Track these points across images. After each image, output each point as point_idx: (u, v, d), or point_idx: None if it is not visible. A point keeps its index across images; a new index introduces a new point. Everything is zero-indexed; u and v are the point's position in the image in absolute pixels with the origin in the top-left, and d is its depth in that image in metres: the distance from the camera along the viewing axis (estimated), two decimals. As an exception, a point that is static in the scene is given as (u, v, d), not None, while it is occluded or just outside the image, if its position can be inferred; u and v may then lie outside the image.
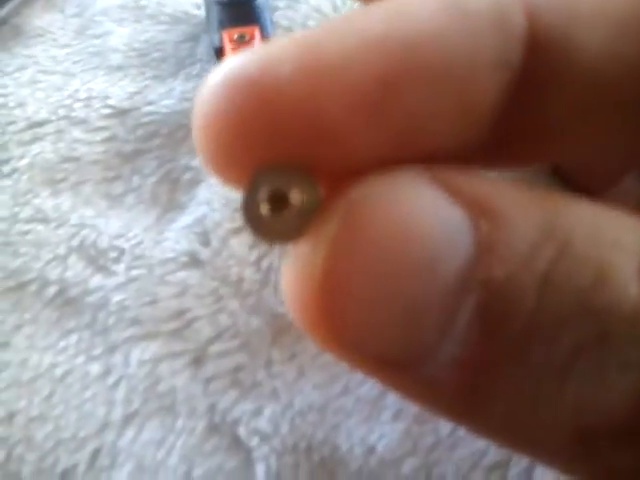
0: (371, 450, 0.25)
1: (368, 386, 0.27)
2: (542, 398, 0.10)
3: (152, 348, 0.27)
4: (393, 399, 0.26)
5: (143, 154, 0.32)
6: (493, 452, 0.26)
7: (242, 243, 0.29)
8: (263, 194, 0.10)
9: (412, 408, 0.26)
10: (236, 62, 0.10)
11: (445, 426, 0.26)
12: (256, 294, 0.28)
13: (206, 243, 0.28)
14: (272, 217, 0.10)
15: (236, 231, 0.29)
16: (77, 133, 0.32)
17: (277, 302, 0.28)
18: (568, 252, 0.10)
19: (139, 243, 0.29)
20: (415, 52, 0.10)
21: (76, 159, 0.32)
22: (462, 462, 0.25)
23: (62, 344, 0.27)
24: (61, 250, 0.29)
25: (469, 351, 0.10)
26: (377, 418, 0.26)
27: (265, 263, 0.28)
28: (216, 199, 0.30)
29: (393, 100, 0.10)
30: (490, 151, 0.12)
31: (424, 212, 0.09)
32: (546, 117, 0.11)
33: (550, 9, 0.11)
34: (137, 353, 0.27)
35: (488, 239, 0.10)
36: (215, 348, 0.27)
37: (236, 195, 0.30)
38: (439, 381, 0.10)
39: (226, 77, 0.10)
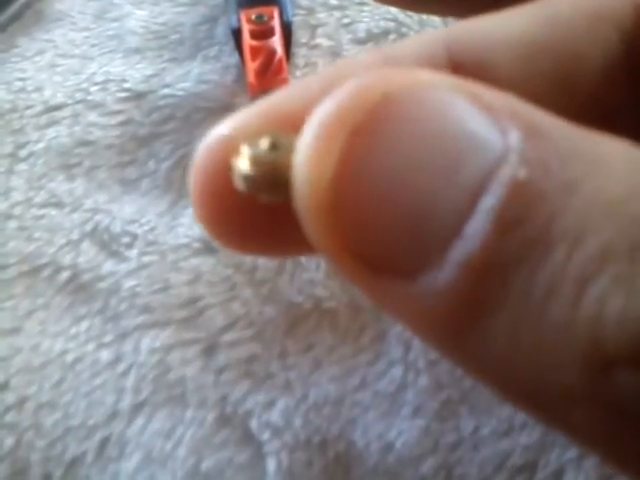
0: (389, 447, 0.26)
1: (387, 380, 0.27)
2: (555, 308, 0.09)
3: (163, 336, 0.27)
4: (413, 394, 0.27)
5: (158, 138, 0.32)
6: (519, 453, 0.25)
7: None
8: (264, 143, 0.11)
9: (433, 404, 0.26)
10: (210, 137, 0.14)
11: (468, 423, 0.26)
12: (271, 282, 0.28)
13: None
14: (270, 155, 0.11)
15: None
16: (93, 117, 0.33)
17: (292, 291, 0.29)
18: (601, 169, 0.10)
19: (152, 229, 0.30)
20: None
21: (91, 143, 0.33)
22: (485, 463, 0.25)
23: (73, 330, 0.28)
24: (74, 235, 0.30)
25: (479, 254, 0.10)
26: (396, 414, 0.26)
27: None
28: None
29: None
30: None
31: (456, 113, 0.10)
32: None
33: (467, 42, 0.13)
34: (147, 341, 0.27)
35: (517, 145, 0.10)
36: (227, 337, 0.27)
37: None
38: (440, 294, 0.10)
39: (201, 152, 0.14)
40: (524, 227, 0.09)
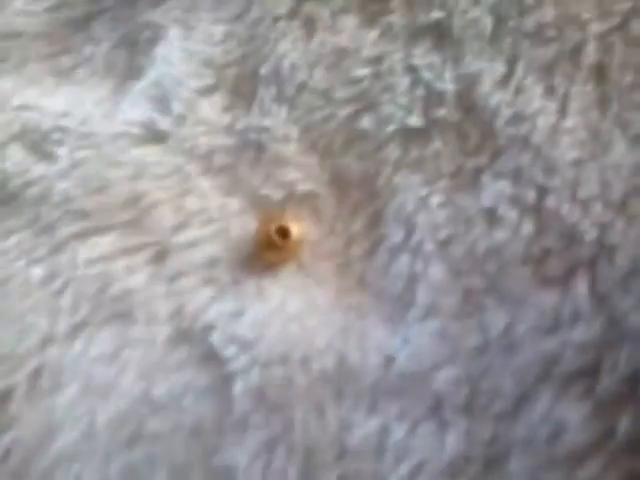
0: (390, 360, 0.21)
1: (389, 276, 0.22)
2: None
3: (103, 244, 0.23)
4: (424, 289, 0.22)
5: (95, 18, 0.28)
6: (572, 355, 0.20)
7: (212, 104, 0.25)
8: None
9: (449, 299, 0.21)
10: None
11: (497, 320, 0.21)
12: (231, 170, 0.24)
13: (166, 109, 0.24)
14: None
15: (204, 90, 0.25)
16: (18, 4, 0.29)
17: (258, 179, 0.24)
18: None
19: (86, 120, 0.25)
20: None
21: (18, 34, 0.28)
22: (524, 372, 0.20)
23: (0, 247, 0.23)
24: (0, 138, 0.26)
25: None
26: (400, 317, 0.21)
27: (241, 124, 0.24)
28: (176, 53, 0.25)
29: None
30: None
31: None
32: None
33: None
34: (85, 251, 0.23)
35: None
36: (181, 238, 0.23)
37: (203, 46, 0.26)
38: None
39: None
40: None
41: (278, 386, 0.20)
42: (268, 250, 0.22)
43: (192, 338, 0.21)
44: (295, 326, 0.21)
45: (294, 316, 0.22)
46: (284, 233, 0.22)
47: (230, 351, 0.21)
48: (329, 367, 0.21)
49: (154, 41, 0.26)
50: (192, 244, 0.23)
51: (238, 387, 0.20)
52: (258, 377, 0.20)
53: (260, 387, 0.20)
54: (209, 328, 0.21)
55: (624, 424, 0.18)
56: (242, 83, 0.25)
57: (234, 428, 0.20)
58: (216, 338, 0.21)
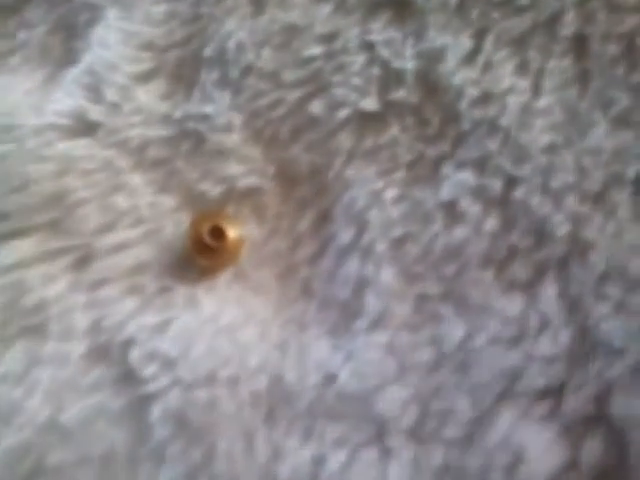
0: (331, 378, 0.19)
1: (337, 281, 0.19)
2: None
3: (21, 249, 0.21)
4: (373, 296, 0.19)
5: (29, 1, 0.26)
6: (537, 370, 0.18)
7: (150, 91, 0.22)
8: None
9: (401, 306, 0.19)
10: None
11: (454, 330, 0.19)
12: (168, 163, 0.22)
13: (98, 98, 0.22)
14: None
15: (142, 76, 0.23)
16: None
17: (195, 173, 0.22)
18: None
19: (12, 111, 0.23)
20: None
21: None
22: (480, 391, 0.18)
23: None
24: None
25: None
26: (346, 329, 0.19)
27: (179, 113, 0.22)
28: (114, 35, 0.23)
29: None
30: None
31: None
32: None
33: None
34: (1, 257, 0.21)
35: None
36: (107, 241, 0.21)
37: (143, 27, 0.23)
38: None
39: None
40: None
41: (201, 410, 0.18)
42: (201, 254, 0.20)
43: (109, 355, 0.19)
44: (226, 341, 0.19)
45: (226, 329, 0.20)
46: (219, 234, 0.20)
47: (150, 370, 0.18)
48: (261, 388, 0.19)
49: (92, 23, 0.24)
50: (118, 247, 0.21)
51: (156, 411, 0.18)
52: (179, 400, 0.18)
53: (181, 411, 0.18)
54: (128, 343, 0.19)
55: (589, 451, 0.15)
56: (183, 67, 0.23)
57: (150, 458, 0.18)
58: (135, 355, 0.19)
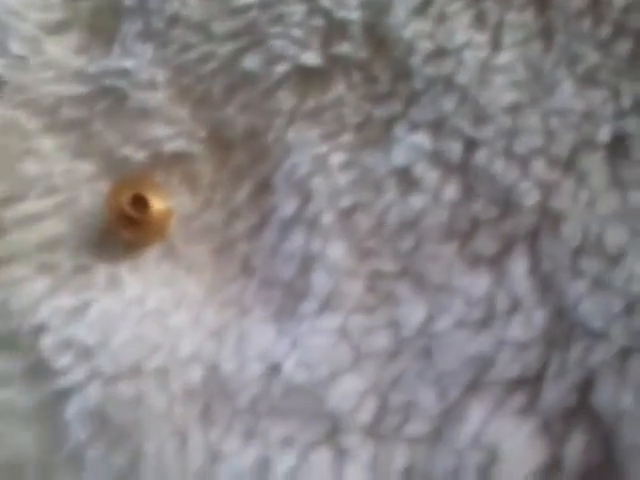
0: (276, 369, 0.17)
1: (277, 261, 0.18)
2: None
3: None
4: (322, 276, 0.17)
5: None
6: (509, 358, 0.16)
7: (63, 44, 0.20)
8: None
9: (352, 285, 0.17)
10: None
11: (412, 312, 0.17)
12: (83, 124, 0.20)
13: (2, 50, 0.20)
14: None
15: (53, 26, 0.20)
16: None
17: (116, 137, 0.19)
18: None
19: None
20: None
21: None
22: (446, 381, 0.16)
23: None
24: None
25: None
26: (291, 312, 0.17)
27: (96, 68, 0.20)
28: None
29: None
30: None
31: None
32: None
33: None
34: None
35: None
36: (14, 213, 0.19)
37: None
38: None
39: None
40: None
41: (125, 407, 0.16)
42: (124, 227, 0.18)
43: (17, 343, 0.17)
44: (154, 327, 0.17)
45: (154, 313, 0.18)
46: (142, 204, 0.18)
47: (64, 360, 0.17)
48: (195, 381, 0.17)
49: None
50: (28, 220, 0.19)
51: (73, 408, 0.16)
52: (99, 395, 0.16)
53: (101, 408, 0.16)
54: (40, 330, 0.17)
55: (572, 447, 0.14)
56: (101, 17, 0.21)
57: (67, 464, 0.16)
58: (48, 343, 0.17)
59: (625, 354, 0.15)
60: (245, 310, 0.18)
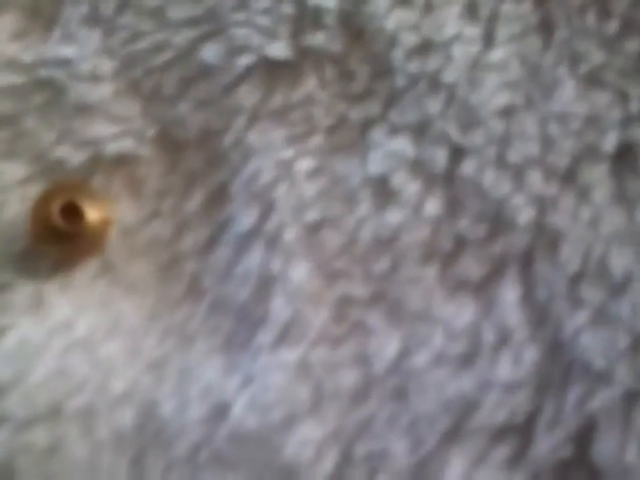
0: (223, 411, 0.15)
1: (234, 284, 0.16)
2: None
3: None
4: (282, 293, 0.16)
5: None
6: (493, 403, 0.15)
7: None
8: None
9: (317, 315, 0.16)
10: None
11: (385, 348, 0.15)
12: (15, 121, 0.18)
13: None
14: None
15: None
16: None
17: (54, 136, 0.18)
18: None
19: None
20: None
21: None
22: (422, 428, 0.15)
23: None
24: None
25: None
26: (244, 344, 0.16)
27: (30, 56, 0.18)
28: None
29: None
30: None
31: None
32: None
33: None
34: None
35: None
36: None
37: None
38: None
39: None
40: None
41: (39, 458, 0.14)
42: (50, 240, 0.17)
43: None
44: (82, 358, 0.16)
45: (83, 342, 0.16)
46: (74, 214, 0.16)
47: None
48: (126, 424, 0.15)
49: None
50: None
51: None
52: (7, 444, 0.14)
53: (8, 460, 0.14)
54: None
55: None
56: (42, 1, 0.19)
57: None
58: None
59: (630, 398, 0.14)
60: (190, 339, 0.16)
